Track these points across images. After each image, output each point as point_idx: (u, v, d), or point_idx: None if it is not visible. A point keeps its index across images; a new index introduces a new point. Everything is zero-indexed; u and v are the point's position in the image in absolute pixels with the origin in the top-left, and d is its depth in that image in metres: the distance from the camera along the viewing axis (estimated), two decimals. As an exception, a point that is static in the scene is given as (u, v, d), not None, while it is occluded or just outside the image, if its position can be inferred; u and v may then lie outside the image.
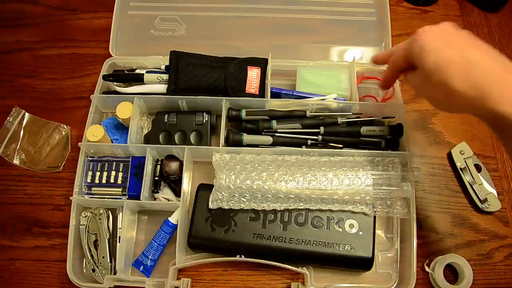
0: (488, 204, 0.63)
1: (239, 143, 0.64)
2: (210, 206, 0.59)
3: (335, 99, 0.66)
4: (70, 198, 0.62)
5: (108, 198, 0.63)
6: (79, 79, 0.76)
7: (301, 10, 0.76)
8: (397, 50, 0.47)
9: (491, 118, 0.41)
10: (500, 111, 0.38)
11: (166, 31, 0.76)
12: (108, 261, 0.60)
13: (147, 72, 0.68)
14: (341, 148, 0.63)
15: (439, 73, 0.41)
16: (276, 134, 0.64)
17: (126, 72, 0.70)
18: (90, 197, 0.63)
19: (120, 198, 0.63)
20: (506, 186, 0.67)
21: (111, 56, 0.72)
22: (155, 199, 0.63)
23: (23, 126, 0.72)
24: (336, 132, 0.65)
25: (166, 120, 0.66)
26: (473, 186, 0.64)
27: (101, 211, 0.62)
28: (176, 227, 0.59)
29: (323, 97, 0.66)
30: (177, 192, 0.63)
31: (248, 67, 0.68)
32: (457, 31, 0.43)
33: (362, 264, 0.57)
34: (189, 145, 0.64)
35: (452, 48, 0.41)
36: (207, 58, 0.69)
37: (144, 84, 0.68)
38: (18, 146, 0.70)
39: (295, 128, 0.64)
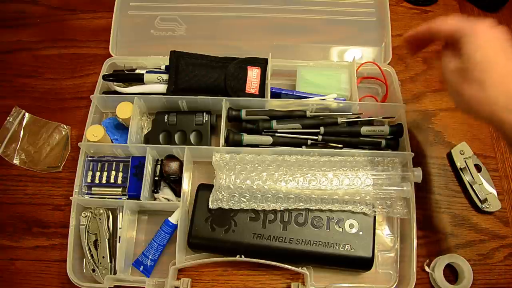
0: (488, 204, 0.63)
1: (239, 143, 0.64)
2: (210, 206, 0.59)
3: (335, 99, 0.66)
4: (70, 198, 0.62)
5: (108, 198, 0.63)
6: (79, 79, 0.76)
7: (301, 10, 0.76)
8: (444, 25, 0.45)
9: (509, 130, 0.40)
10: None
11: (166, 31, 0.76)
12: (108, 261, 0.60)
13: (147, 72, 0.68)
14: (341, 148, 0.63)
15: (480, 70, 0.41)
16: (276, 134, 0.64)
17: (126, 72, 0.70)
18: (90, 197, 0.63)
19: (120, 198, 0.63)
20: (506, 186, 0.67)
21: (111, 56, 0.72)
22: (155, 199, 0.63)
23: (23, 126, 0.72)
24: (336, 132, 0.65)
25: (166, 120, 0.66)
26: (473, 186, 0.64)
27: (101, 211, 0.62)
28: (176, 227, 0.59)
29: (323, 97, 0.66)
30: (177, 192, 0.63)
31: (248, 67, 0.68)
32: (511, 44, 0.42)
33: (362, 264, 0.57)
34: (189, 145, 0.64)
35: (504, 54, 0.41)
36: (207, 58, 0.69)
37: (144, 84, 0.68)
38: (18, 146, 0.70)
39: (295, 128, 0.64)
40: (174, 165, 0.62)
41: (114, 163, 0.65)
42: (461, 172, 0.65)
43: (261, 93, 0.68)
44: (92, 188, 0.64)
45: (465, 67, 0.42)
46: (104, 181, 0.64)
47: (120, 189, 0.63)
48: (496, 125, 0.41)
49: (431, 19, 0.80)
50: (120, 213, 0.62)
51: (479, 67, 0.40)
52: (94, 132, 0.64)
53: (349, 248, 0.56)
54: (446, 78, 0.45)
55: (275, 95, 0.68)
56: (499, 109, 0.40)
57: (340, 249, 0.56)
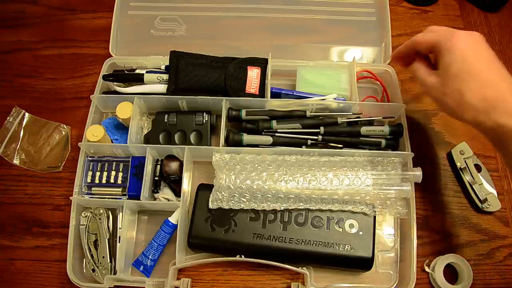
0: (488, 204, 0.63)
1: (239, 143, 0.64)
2: (210, 206, 0.59)
3: (335, 99, 0.66)
4: (70, 198, 0.62)
5: (108, 198, 0.63)
6: (79, 79, 0.76)
7: (301, 10, 0.76)
8: (423, 38, 0.50)
9: (493, 131, 0.44)
10: (504, 124, 0.42)
11: (166, 31, 0.76)
12: (108, 261, 0.60)
13: (147, 72, 0.68)
14: (341, 148, 0.63)
15: (458, 81, 0.45)
16: (276, 134, 0.64)
17: (126, 72, 0.70)
18: (90, 197, 0.63)
19: (120, 198, 0.63)
20: (506, 186, 0.67)
21: (111, 56, 0.72)
22: (155, 199, 0.63)
23: (23, 126, 0.72)
24: (336, 132, 0.65)
25: (166, 120, 0.66)
26: (473, 186, 0.64)
27: (101, 211, 0.62)
28: (176, 227, 0.59)
29: (323, 97, 0.66)
30: (177, 192, 0.63)
31: (248, 67, 0.68)
32: (487, 49, 0.47)
33: (362, 264, 0.57)
34: (189, 145, 0.64)
35: (479, 63, 0.45)
36: (207, 58, 0.69)
37: (144, 84, 0.68)
38: (18, 146, 0.70)
39: (295, 128, 0.64)
40: (174, 165, 0.62)
41: (114, 163, 0.65)
42: (461, 172, 0.65)
43: (261, 93, 0.68)
44: (92, 188, 0.64)
45: (443, 80, 0.47)
46: (104, 181, 0.64)
47: (120, 189, 0.63)
48: (478, 126, 0.46)
49: (430, 19, 0.81)
50: (120, 213, 0.62)
51: (456, 78, 0.45)
52: (94, 132, 0.64)
53: (349, 248, 0.56)
54: (427, 91, 0.51)
55: (275, 95, 0.68)
56: (479, 113, 0.44)
57: (340, 249, 0.56)
